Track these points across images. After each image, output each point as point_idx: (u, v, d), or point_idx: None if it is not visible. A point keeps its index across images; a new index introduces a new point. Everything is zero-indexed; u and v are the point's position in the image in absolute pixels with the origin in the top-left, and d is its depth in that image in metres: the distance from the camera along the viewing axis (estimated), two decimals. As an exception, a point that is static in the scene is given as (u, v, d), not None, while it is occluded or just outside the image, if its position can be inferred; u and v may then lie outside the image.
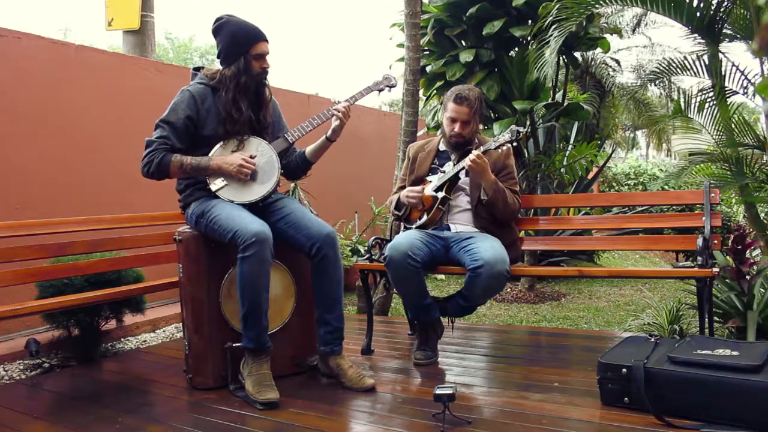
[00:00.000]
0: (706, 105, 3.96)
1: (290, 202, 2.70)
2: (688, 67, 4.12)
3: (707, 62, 4.03)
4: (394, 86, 2.80)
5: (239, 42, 2.52)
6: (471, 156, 2.74)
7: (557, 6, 3.95)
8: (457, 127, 2.91)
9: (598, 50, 6.47)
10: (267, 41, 2.57)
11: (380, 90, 2.79)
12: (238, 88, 2.52)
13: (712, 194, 2.77)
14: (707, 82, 4.11)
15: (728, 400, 1.94)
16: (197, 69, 2.68)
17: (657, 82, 9.46)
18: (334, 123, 2.67)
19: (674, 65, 4.20)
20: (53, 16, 39.32)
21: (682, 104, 4.05)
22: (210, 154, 2.53)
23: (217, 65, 2.62)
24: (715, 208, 2.81)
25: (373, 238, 3.25)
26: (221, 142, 2.55)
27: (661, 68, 4.36)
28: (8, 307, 2.56)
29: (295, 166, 2.80)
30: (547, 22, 4.04)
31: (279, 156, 2.61)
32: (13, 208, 3.69)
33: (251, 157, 2.54)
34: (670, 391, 2.03)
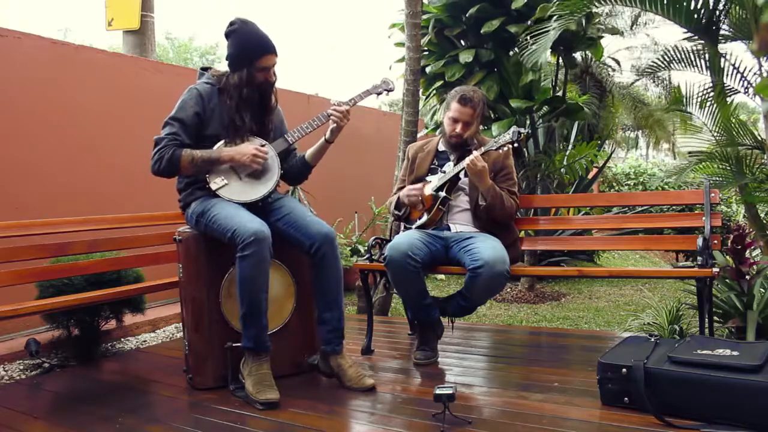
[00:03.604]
0: (707, 104, 3.95)
1: (290, 201, 2.70)
2: (689, 62, 4.10)
3: (707, 59, 4.02)
4: (392, 90, 2.83)
5: (246, 53, 2.53)
6: (471, 156, 2.74)
7: (556, 3, 3.95)
8: (458, 128, 2.91)
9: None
10: (275, 54, 2.56)
11: (378, 93, 2.82)
12: (240, 98, 2.54)
13: (712, 194, 2.77)
14: (707, 78, 4.10)
15: (728, 400, 1.94)
16: (205, 69, 2.71)
17: (656, 80, 9.45)
18: (332, 125, 2.68)
19: (674, 58, 4.18)
20: (53, 16, 39.32)
21: (683, 96, 4.02)
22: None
23: (225, 66, 2.64)
24: (715, 208, 2.80)
25: (373, 238, 3.25)
26: (221, 142, 2.56)
27: (661, 61, 4.34)
28: (8, 307, 2.56)
29: (297, 171, 2.81)
30: (546, 16, 4.04)
31: (280, 158, 2.64)
32: (13, 208, 3.69)
33: (261, 146, 2.56)
34: (670, 391, 2.03)
